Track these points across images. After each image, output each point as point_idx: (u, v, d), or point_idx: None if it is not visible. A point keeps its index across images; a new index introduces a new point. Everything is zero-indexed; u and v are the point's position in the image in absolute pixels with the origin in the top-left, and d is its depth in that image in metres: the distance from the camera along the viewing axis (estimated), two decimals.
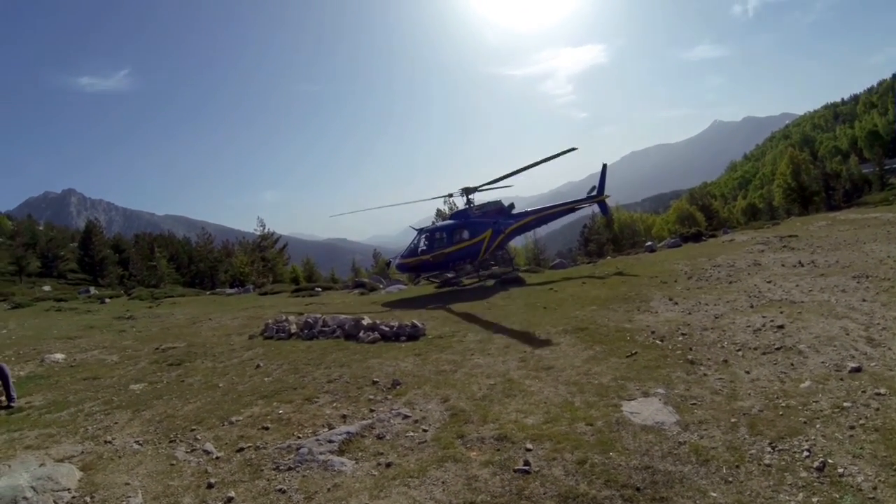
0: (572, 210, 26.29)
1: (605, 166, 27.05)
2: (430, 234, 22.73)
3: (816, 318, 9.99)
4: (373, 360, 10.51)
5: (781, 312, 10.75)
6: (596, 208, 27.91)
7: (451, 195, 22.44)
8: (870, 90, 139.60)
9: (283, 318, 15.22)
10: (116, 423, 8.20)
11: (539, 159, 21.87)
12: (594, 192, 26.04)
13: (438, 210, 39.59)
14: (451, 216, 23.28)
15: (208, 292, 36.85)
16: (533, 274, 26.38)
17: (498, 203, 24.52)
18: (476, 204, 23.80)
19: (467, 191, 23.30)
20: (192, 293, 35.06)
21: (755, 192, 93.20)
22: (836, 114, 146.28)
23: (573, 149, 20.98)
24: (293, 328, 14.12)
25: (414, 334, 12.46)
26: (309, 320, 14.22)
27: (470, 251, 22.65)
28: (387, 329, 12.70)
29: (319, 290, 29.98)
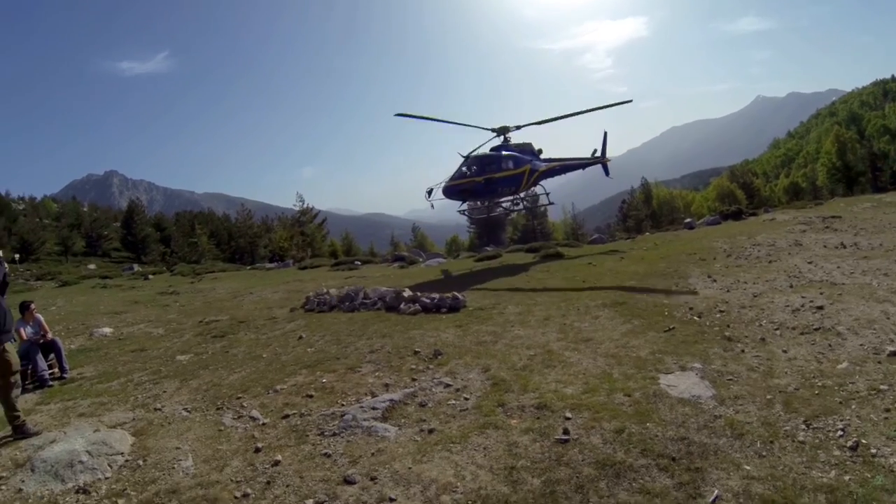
0: (582, 167, 28.30)
1: (605, 133, 29.27)
2: (481, 158, 23.10)
3: (857, 300, 9.90)
4: (414, 332, 10.73)
5: (821, 293, 10.67)
6: (636, 184, 29.62)
7: (493, 130, 22.79)
8: None
9: (324, 290, 15.45)
10: (165, 391, 8.59)
11: (591, 107, 23.25)
12: (598, 155, 28.58)
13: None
14: (495, 148, 23.70)
15: (248, 267, 37.60)
16: (571, 249, 26.41)
17: (530, 145, 25.33)
18: (513, 143, 24.41)
19: (505, 129, 23.75)
20: (233, 268, 36.08)
21: (798, 171, 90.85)
22: (886, 91, 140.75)
23: (629, 101, 23.37)
24: (334, 300, 14.36)
25: (455, 306, 12.61)
26: (350, 293, 14.48)
27: (514, 181, 23.50)
28: (427, 301, 12.85)
29: (359, 263, 30.55)
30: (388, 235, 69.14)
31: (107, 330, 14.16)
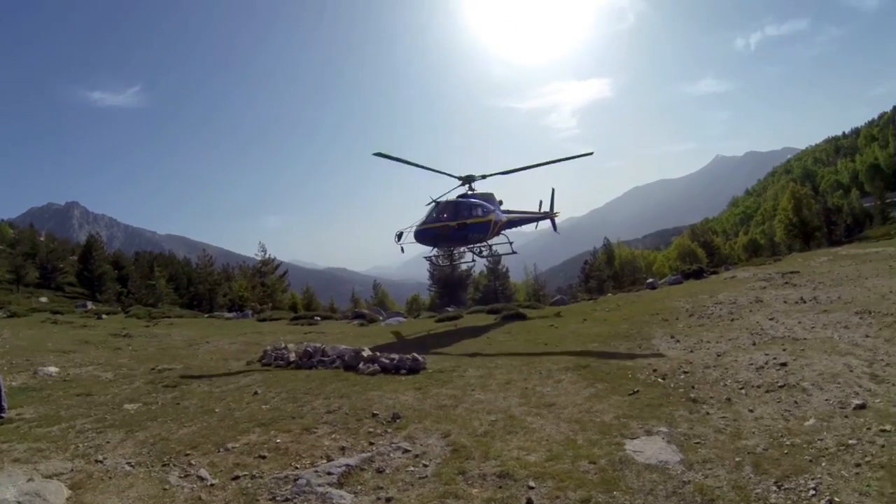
0: (536, 220, 29.28)
1: (553, 190, 30.23)
2: (455, 204, 23.35)
3: (819, 355, 9.95)
4: (373, 393, 10.47)
5: (784, 350, 10.72)
6: (598, 244, 30.12)
7: (460, 178, 23.84)
8: (870, 123, 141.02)
9: (282, 345, 15.27)
10: (108, 442, 8.09)
11: (555, 159, 23.83)
12: (546, 210, 29.76)
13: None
14: (462, 196, 24.12)
15: (206, 315, 36.96)
16: (533, 310, 26.44)
17: (492, 195, 25.60)
18: (478, 192, 24.75)
19: (471, 178, 24.12)
20: (190, 315, 35.24)
21: (756, 228, 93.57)
22: (838, 147, 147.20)
23: (590, 153, 24.21)
24: (292, 356, 14.15)
25: (414, 368, 12.43)
26: (308, 349, 14.27)
27: (482, 228, 23.80)
28: (387, 361, 12.68)
29: (318, 319, 30.41)
30: (348, 291, 69.03)
31: (52, 369, 13.44)
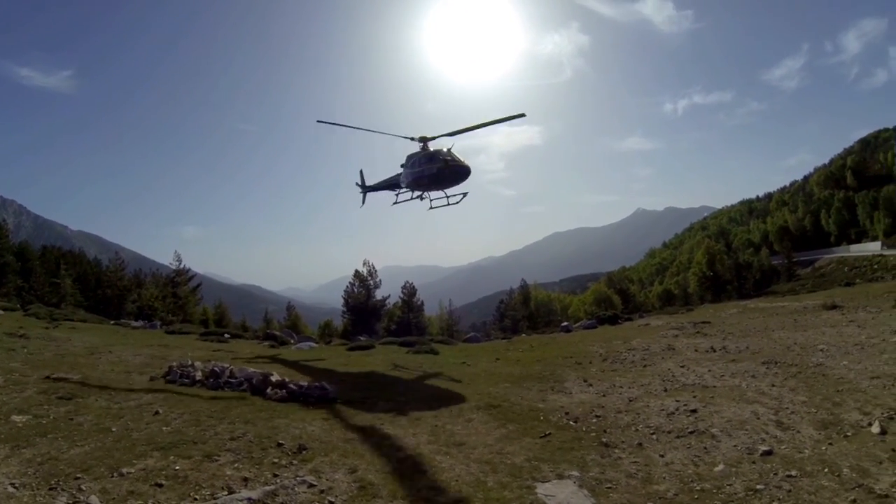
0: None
1: (361, 171, 31.59)
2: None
3: (728, 402, 10.38)
4: (279, 420, 10.18)
5: (694, 397, 11.12)
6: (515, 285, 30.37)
7: (414, 139, 25.13)
8: (782, 189, 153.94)
9: (189, 362, 14.82)
10: None
11: (489, 121, 24.38)
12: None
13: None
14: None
15: (112, 322, 35.16)
16: (446, 346, 26.51)
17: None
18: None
19: (424, 138, 24.91)
20: (95, 320, 33.50)
21: (671, 279, 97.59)
22: (751, 209, 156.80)
23: (522, 115, 24.01)
24: (198, 375, 13.69)
25: (323, 396, 12.25)
26: (216, 369, 13.89)
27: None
28: (295, 388, 12.47)
29: (228, 336, 29.87)
30: (262, 310, 67.85)
31: None
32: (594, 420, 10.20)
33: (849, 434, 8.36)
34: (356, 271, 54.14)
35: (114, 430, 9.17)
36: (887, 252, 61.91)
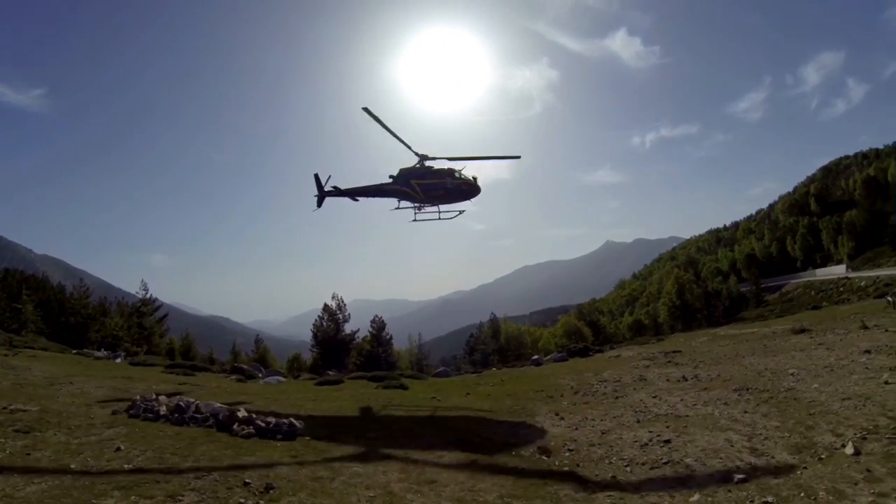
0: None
1: (316, 175, 30.54)
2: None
3: (701, 431, 10.37)
4: (246, 458, 9.89)
5: (668, 427, 11.09)
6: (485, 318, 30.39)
7: (417, 154, 25.63)
8: (749, 218, 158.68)
9: (153, 396, 14.46)
10: None
11: (486, 155, 25.88)
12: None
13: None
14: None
15: (74, 351, 34.46)
16: (416, 381, 26.32)
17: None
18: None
19: (425, 157, 25.25)
20: (57, 349, 32.94)
21: (641, 309, 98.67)
22: (719, 238, 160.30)
23: (518, 156, 26.17)
24: (163, 409, 13.29)
25: (291, 433, 12.00)
26: (181, 403, 13.53)
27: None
28: (263, 424, 12.20)
29: (195, 370, 29.26)
30: (229, 342, 67.01)
31: None
32: (567, 454, 10.10)
33: (823, 456, 8.41)
34: (325, 305, 53.70)
35: (73, 466, 8.82)
36: (852, 275, 63.36)
